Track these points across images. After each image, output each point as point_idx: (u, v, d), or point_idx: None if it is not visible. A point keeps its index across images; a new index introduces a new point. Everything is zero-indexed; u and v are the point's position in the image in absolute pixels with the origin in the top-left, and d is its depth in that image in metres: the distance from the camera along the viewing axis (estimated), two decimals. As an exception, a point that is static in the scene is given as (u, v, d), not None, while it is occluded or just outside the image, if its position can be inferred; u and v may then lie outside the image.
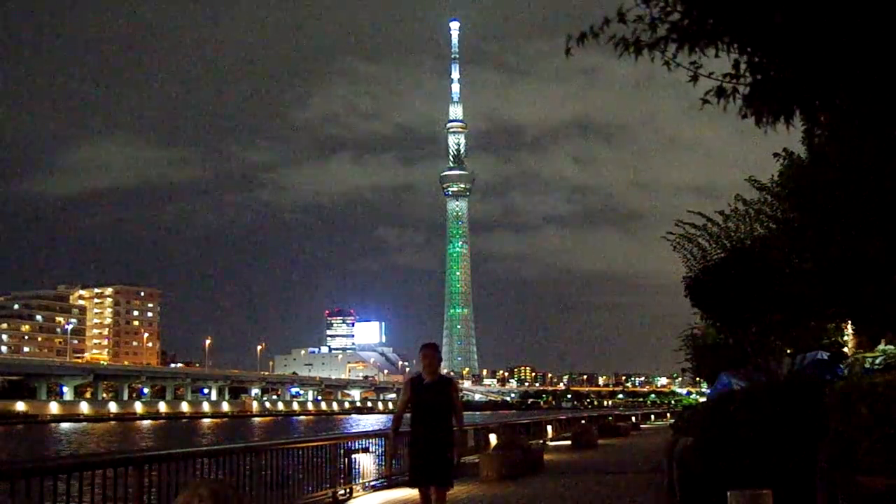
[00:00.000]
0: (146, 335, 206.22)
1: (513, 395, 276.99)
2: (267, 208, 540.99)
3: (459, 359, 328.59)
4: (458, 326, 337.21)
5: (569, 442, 28.43)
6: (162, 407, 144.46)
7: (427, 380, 8.26)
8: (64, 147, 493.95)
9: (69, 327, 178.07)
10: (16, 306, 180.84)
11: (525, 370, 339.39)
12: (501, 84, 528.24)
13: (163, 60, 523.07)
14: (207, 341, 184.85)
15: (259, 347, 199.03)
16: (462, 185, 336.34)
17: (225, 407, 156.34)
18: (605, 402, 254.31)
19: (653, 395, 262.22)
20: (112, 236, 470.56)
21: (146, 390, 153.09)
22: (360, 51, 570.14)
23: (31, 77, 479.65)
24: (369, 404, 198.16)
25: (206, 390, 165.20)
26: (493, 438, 21.67)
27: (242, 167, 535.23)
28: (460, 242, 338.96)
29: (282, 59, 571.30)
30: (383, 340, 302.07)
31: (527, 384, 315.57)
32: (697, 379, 40.98)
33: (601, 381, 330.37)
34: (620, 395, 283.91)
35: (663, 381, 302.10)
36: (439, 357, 8.40)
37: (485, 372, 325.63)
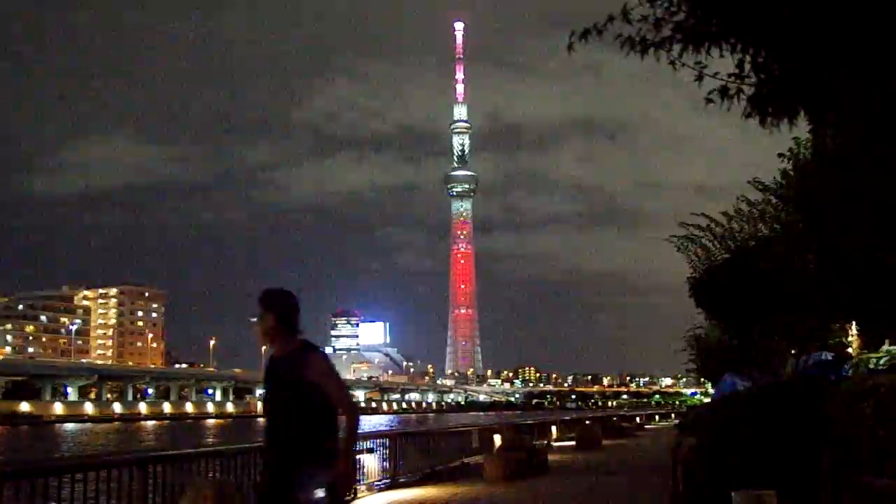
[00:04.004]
0: (151, 336, 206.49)
1: (517, 395, 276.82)
2: (269, 208, 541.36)
3: (464, 359, 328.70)
4: (463, 327, 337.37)
5: (573, 442, 28.41)
6: (166, 407, 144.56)
7: (274, 354, 5.03)
8: (64, 147, 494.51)
9: (73, 328, 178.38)
10: (20, 307, 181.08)
11: (529, 370, 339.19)
12: (503, 82, 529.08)
13: (163, 59, 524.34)
14: (212, 342, 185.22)
15: (263, 348, 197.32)
16: (466, 186, 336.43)
17: (229, 407, 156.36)
18: (610, 403, 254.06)
19: (657, 396, 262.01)
20: (114, 236, 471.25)
21: (150, 391, 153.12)
22: (361, 49, 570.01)
23: (31, 77, 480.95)
24: (374, 405, 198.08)
25: (210, 391, 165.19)
26: (497, 439, 21.65)
27: (243, 166, 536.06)
28: (464, 243, 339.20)
29: (283, 57, 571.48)
30: (388, 341, 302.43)
31: (531, 384, 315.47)
32: (702, 379, 41.00)
33: (606, 381, 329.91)
34: (625, 396, 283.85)
35: (668, 381, 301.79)
36: (282, 312, 4.94)
37: (489, 372, 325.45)
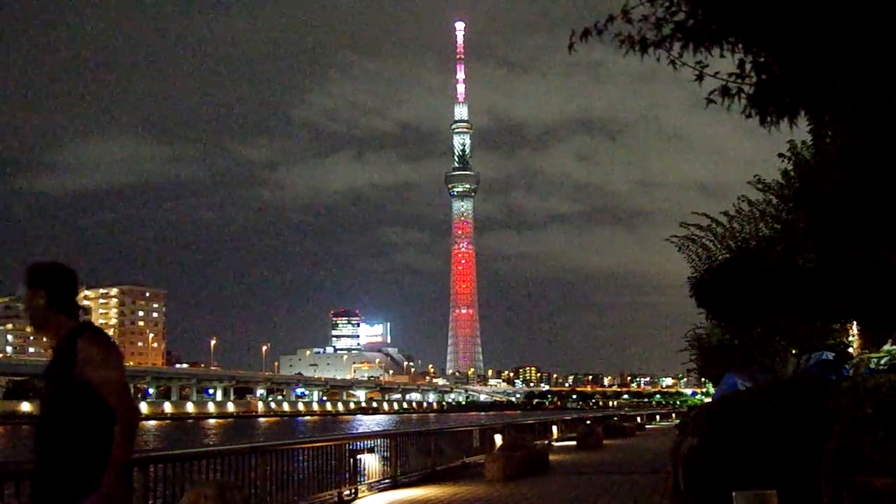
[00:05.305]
0: (151, 335, 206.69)
1: (518, 395, 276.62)
2: (268, 207, 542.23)
3: (465, 359, 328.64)
4: (463, 327, 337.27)
5: (574, 442, 28.40)
6: (167, 407, 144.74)
7: (50, 344, 3.99)
8: (64, 147, 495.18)
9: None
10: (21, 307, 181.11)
11: (530, 370, 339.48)
12: (503, 80, 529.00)
13: (162, 58, 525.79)
14: (213, 342, 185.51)
15: (264, 348, 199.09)
16: (467, 186, 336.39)
17: (230, 407, 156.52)
18: (611, 403, 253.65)
19: (658, 396, 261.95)
20: (114, 235, 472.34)
21: (151, 391, 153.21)
22: (360, 47, 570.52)
23: (31, 76, 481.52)
24: (374, 405, 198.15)
25: (211, 391, 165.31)
26: (498, 439, 21.67)
27: (243, 165, 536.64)
28: (465, 242, 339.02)
29: (282, 56, 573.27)
30: (388, 341, 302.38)
31: (532, 384, 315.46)
32: (703, 379, 40.95)
33: (606, 381, 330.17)
34: (626, 396, 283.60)
35: (669, 381, 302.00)
36: (55, 289, 3.93)
37: (490, 372, 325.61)
